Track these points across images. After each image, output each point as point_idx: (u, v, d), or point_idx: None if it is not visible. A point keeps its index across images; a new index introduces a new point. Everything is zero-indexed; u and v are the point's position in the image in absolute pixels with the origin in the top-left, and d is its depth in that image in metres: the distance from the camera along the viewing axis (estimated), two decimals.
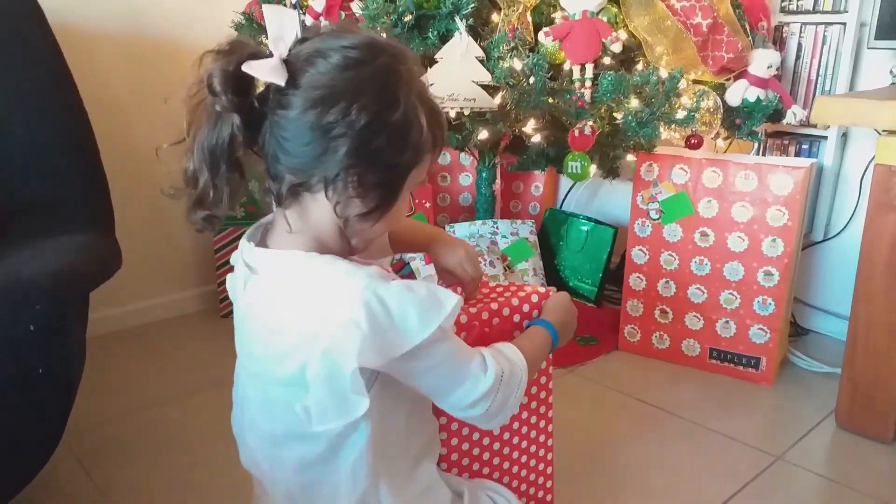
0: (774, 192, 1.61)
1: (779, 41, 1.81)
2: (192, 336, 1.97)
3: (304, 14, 1.51)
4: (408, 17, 1.34)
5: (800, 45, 1.79)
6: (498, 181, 2.24)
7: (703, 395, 1.68)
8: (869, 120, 1.34)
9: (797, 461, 1.42)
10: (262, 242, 0.80)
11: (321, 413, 0.72)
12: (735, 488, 1.33)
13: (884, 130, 1.36)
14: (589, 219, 2.13)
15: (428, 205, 1.99)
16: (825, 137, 1.81)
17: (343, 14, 1.47)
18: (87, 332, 1.88)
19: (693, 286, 1.75)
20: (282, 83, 0.70)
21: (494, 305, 0.94)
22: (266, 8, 0.74)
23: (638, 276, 1.83)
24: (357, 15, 1.43)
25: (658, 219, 1.76)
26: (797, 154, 1.84)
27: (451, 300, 0.73)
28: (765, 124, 1.89)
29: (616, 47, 1.35)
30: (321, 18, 1.47)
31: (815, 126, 1.81)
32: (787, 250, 1.63)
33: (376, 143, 0.72)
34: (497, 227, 1.99)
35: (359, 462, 0.77)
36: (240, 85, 0.71)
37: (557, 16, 1.42)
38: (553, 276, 2.13)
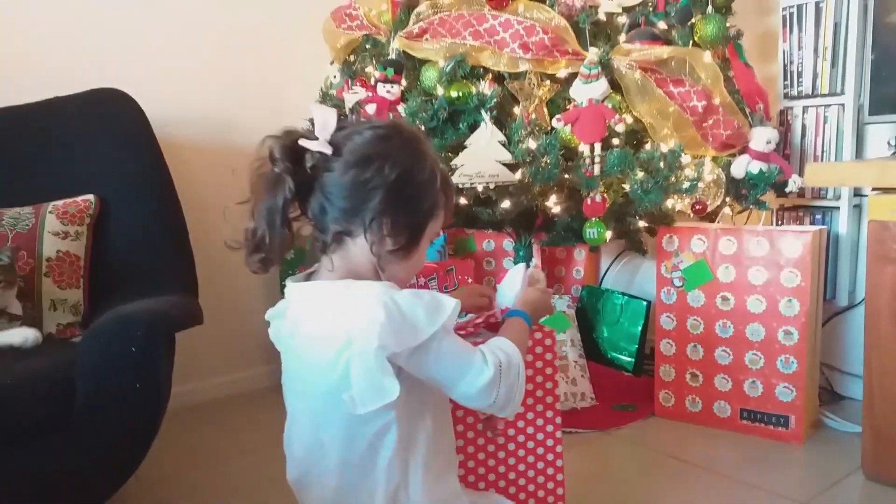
0: (786, 255, 1.74)
1: (784, 123, 2.00)
2: (261, 406, 2.17)
3: (357, 115, 1.80)
4: (442, 113, 1.61)
5: (804, 125, 1.96)
6: (538, 262, 2.43)
7: (734, 452, 1.74)
8: (853, 179, 1.50)
9: None
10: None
11: (362, 398, 0.87)
12: None
13: (873, 190, 1.50)
14: (624, 294, 2.27)
15: (470, 280, 2.18)
16: (837, 208, 1.94)
17: (391, 115, 1.75)
18: (177, 402, 2.13)
19: (719, 348, 1.86)
20: (328, 152, 0.92)
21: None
22: (313, 107, 0.97)
23: (668, 342, 1.95)
24: (402, 114, 1.71)
25: (682, 286, 1.90)
26: (811, 224, 1.97)
27: (451, 303, 0.90)
28: (781, 199, 2.04)
29: (620, 128, 1.57)
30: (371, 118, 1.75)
31: (825, 197, 1.95)
32: (803, 309, 1.73)
33: (406, 192, 0.93)
34: None
35: (392, 461, 0.91)
36: (294, 156, 0.93)
37: (571, 106, 1.65)
38: (592, 348, 2.25)
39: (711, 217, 1.93)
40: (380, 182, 0.91)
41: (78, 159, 1.64)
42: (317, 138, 0.93)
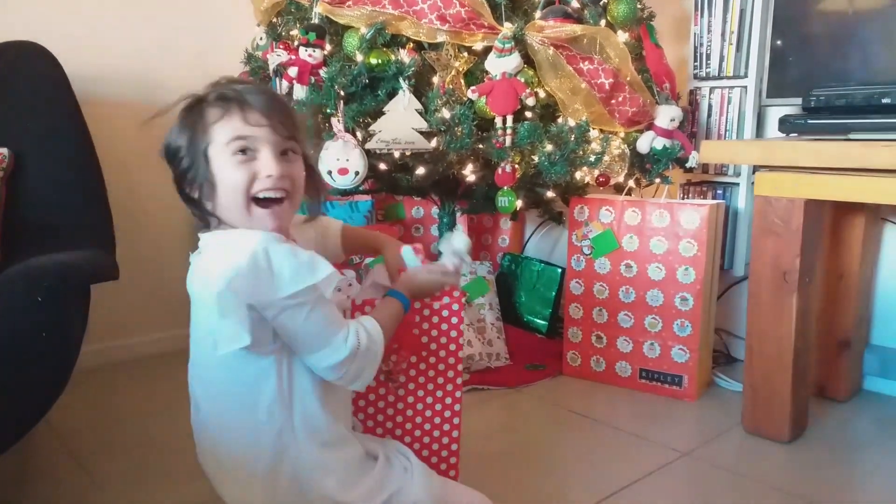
0: (684, 226, 1.86)
1: (693, 103, 2.11)
2: (181, 365, 2.19)
3: (282, 79, 1.82)
4: (362, 79, 1.65)
5: (710, 105, 2.08)
6: (465, 230, 2.51)
7: (631, 408, 1.88)
8: (741, 157, 1.61)
9: (702, 457, 1.61)
10: None
11: (219, 341, 0.92)
12: (638, 476, 1.52)
13: (762, 167, 1.62)
14: (541, 261, 2.38)
15: None
16: (738, 184, 2.08)
17: (313, 79, 1.78)
18: (96, 360, 2.13)
19: (622, 313, 1.98)
20: None
21: None
22: None
23: (576, 306, 2.06)
24: (323, 78, 1.74)
25: (590, 254, 2.01)
26: (713, 198, 2.10)
27: (325, 269, 0.92)
28: (687, 175, 2.17)
29: (530, 101, 1.65)
30: (294, 83, 1.78)
31: (726, 174, 2.08)
32: (698, 277, 1.86)
33: (174, 164, 1.00)
34: None
35: (273, 405, 0.97)
36: None
37: (487, 79, 1.72)
38: (510, 312, 2.36)
39: (628, 191, 2.04)
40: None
41: None
42: None
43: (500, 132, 1.66)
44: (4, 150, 1.57)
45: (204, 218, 1.00)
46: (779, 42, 1.90)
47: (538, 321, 2.33)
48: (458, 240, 1.20)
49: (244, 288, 0.89)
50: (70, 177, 1.65)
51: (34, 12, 1.98)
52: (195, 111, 0.98)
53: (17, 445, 1.29)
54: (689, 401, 1.91)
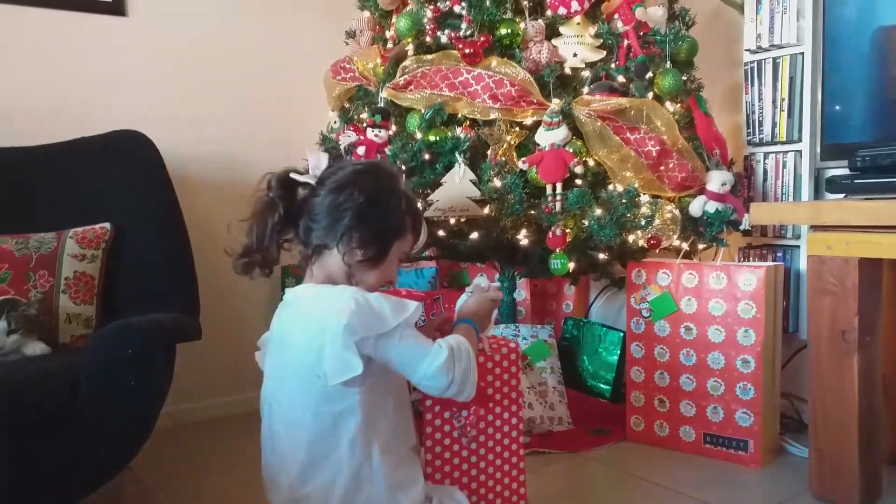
0: (742, 288, 1.87)
1: (749, 168, 2.14)
2: (254, 426, 2.32)
3: (351, 157, 1.99)
4: (421, 154, 1.80)
5: (765, 170, 2.11)
6: (526, 295, 2.59)
7: (696, 473, 1.84)
8: (790, 218, 1.63)
9: None
10: None
11: (333, 373, 1.06)
12: None
13: (811, 227, 1.64)
14: (603, 325, 2.41)
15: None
16: (798, 247, 2.07)
17: (379, 156, 1.94)
18: (179, 419, 2.28)
19: (684, 376, 1.97)
20: (314, 183, 1.18)
21: None
22: (309, 151, 1.24)
23: (637, 370, 2.07)
24: (388, 155, 1.90)
25: (649, 317, 2.03)
26: (773, 261, 2.09)
27: (413, 304, 1.10)
28: (747, 238, 2.18)
29: (579, 169, 1.74)
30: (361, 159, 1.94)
31: (785, 236, 2.08)
32: (758, 339, 1.85)
33: (372, 213, 1.16)
34: (518, 330, 2.29)
35: (355, 440, 1.10)
36: (286, 187, 1.19)
37: (537, 150, 1.83)
38: (573, 376, 2.38)
39: (688, 254, 2.07)
40: (350, 204, 1.15)
41: (98, 192, 1.85)
42: (307, 173, 1.19)
43: (549, 199, 1.75)
44: (107, 225, 1.78)
45: (318, 250, 1.17)
46: (834, 106, 1.93)
47: (602, 386, 2.34)
48: (480, 279, 1.40)
49: (359, 324, 1.06)
50: (162, 248, 1.85)
51: (140, 106, 2.25)
52: (410, 209, 1.23)
53: (105, 492, 1.42)
54: (756, 467, 1.86)
